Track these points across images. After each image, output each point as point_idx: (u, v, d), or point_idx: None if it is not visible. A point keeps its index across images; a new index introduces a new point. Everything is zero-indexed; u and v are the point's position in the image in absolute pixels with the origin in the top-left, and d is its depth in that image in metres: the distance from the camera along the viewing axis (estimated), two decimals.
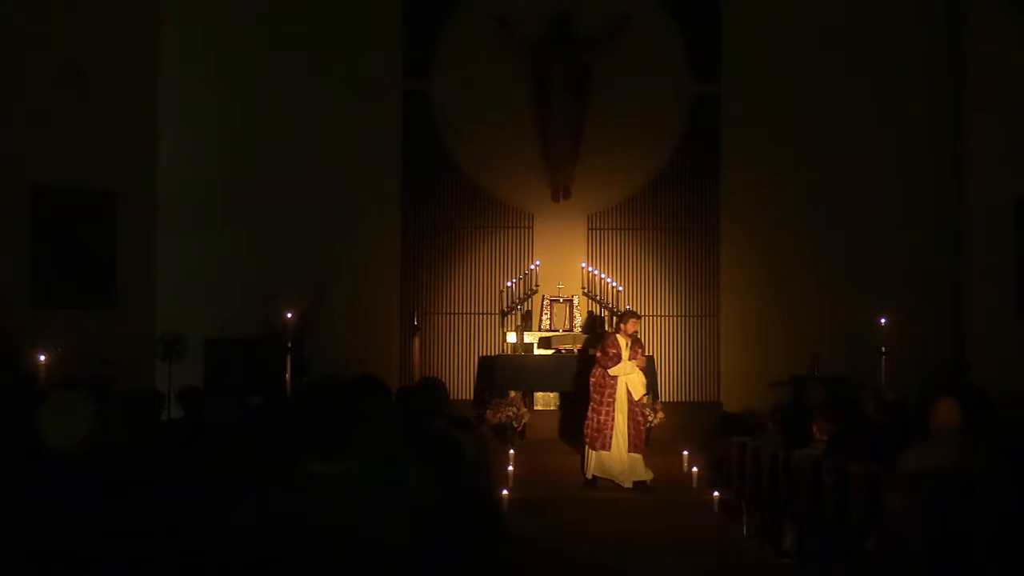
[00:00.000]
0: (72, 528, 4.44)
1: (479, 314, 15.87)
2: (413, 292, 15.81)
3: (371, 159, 15.87)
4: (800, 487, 8.48)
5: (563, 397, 14.64)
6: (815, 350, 14.70)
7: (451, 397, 9.65)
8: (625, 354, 12.40)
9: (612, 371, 12.37)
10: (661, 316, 15.91)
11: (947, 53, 15.50)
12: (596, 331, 14.89)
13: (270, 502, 4.14)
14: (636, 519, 11.20)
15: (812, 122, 15.78)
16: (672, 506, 11.69)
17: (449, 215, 15.90)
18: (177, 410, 8.77)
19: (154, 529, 4.49)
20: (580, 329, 15.19)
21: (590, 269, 15.45)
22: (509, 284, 15.30)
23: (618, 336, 12.57)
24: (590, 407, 12.50)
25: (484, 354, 15.44)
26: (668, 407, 14.10)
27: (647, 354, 13.46)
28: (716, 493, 11.46)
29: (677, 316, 15.94)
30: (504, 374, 14.42)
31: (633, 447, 12.32)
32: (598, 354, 12.67)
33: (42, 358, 12.12)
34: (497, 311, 15.42)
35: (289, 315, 13.69)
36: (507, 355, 14.85)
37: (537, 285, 15.30)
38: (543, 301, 15.32)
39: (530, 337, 15.01)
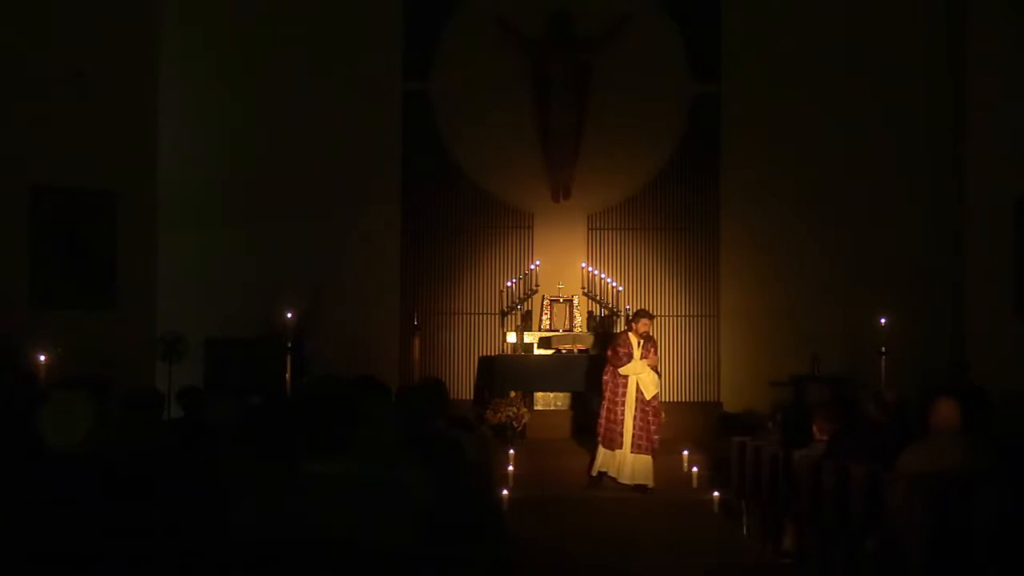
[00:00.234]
0: (72, 528, 4.44)
1: (479, 314, 15.87)
2: (413, 292, 15.81)
3: (371, 159, 15.87)
4: (800, 487, 8.48)
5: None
6: (815, 350, 14.71)
7: (451, 397, 9.68)
8: (637, 353, 12.38)
9: (622, 370, 12.35)
10: (661, 316, 15.89)
11: (947, 53, 15.50)
12: (604, 330, 14.90)
13: (270, 502, 4.14)
14: (636, 519, 11.19)
15: (812, 122, 15.78)
16: (672, 506, 11.68)
17: (449, 215, 15.90)
18: (177, 410, 8.77)
19: (154, 529, 4.49)
20: (582, 329, 15.18)
21: (590, 269, 15.46)
22: (509, 284, 15.31)
23: (630, 335, 12.55)
24: (603, 406, 12.49)
25: (484, 354, 15.44)
26: (668, 407, 14.06)
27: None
28: (716, 493, 11.45)
29: (677, 316, 15.94)
30: (504, 374, 14.43)
31: (637, 448, 12.25)
32: (609, 353, 12.67)
33: (42, 358, 12.11)
34: (497, 311, 15.43)
35: (289, 315, 13.69)
36: (507, 355, 14.86)
37: (537, 285, 15.31)
38: (543, 301, 15.33)
39: (530, 337, 15.02)
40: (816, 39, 15.83)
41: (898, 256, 15.60)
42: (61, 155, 14.00)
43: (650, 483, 12.28)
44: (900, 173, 15.72)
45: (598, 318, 15.36)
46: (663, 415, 13.46)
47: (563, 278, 15.41)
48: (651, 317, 12.67)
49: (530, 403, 14.53)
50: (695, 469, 12.63)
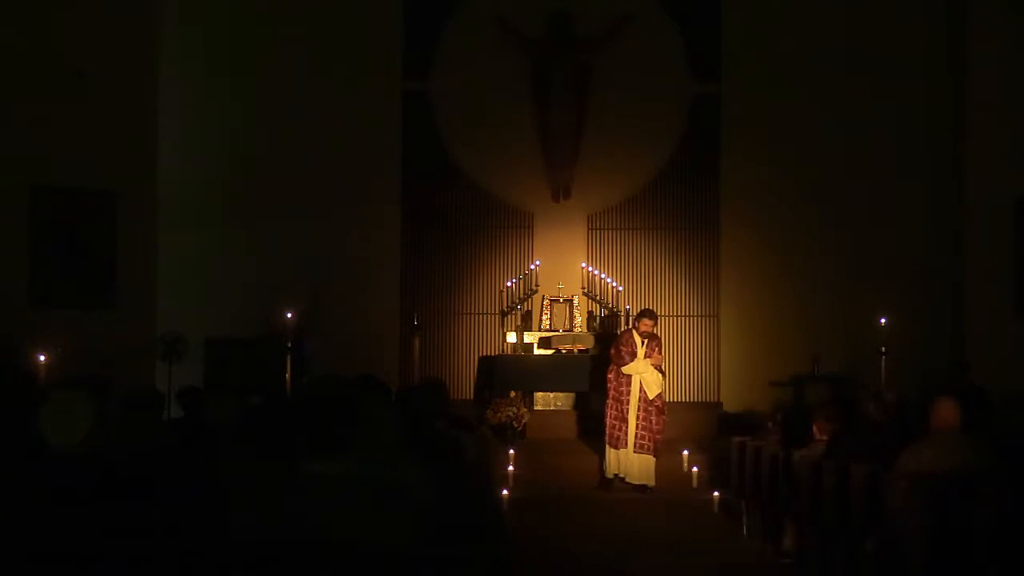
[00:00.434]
0: (72, 528, 4.44)
1: (479, 314, 15.87)
2: (413, 292, 15.81)
3: (371, 159, 15.86)
4: (800, 487, 8.48)
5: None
6: (815, 350, 14.70)
7: (451, 397, 9.69)
8: (640, 352, 12.38)
9: (625, 369, 12.35)
10: (662, 316, 15.83)
11: (947, 53, 15.49)
12: (604, 331, 14.90)
13: (270, 502, 4.14)
14: (636, 519, 11.19)
15: (812, 122, 15.78)
16: (672, 506, 11.68)
17: (449, 215, 15.90)
18: (177, 410, 8.77)
19: (154, 529, 4.49)
20: (582, 329, 15.17)
21: (590, 269, 15.45)
22: (509, 284, 15.31)
23: (634, 334, 12.55)
24: (607, 404, 12.49)
25: (484, 354, 15.44)
26: (668, 407, 14.06)
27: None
28: (716, 493, 11.45)
29: (677, 316, 15.94)
30: (504, 374, 14.42)
31: (640, 447, 12.25)
32: (612, 351, 12.67)
33: (42, 358, 12.11)
34: (497, 311, 15.42)
35: (289, 315, 13.69)
36: (507, 355, 14.85)
37: (537, 285, 15.31)
38: (543, 301, 15.32)
39: (530, 337, 15.01)
40: (816, 39, 15.83)
41: (898, 256, 15.60)
42: (61, 155, 13.99)
43: (651, 483, 12.29)
44: (900, 173, 15.72)
45: (598, 318, 15.35)
46: (666, 414, 13.47)
47: (563, 278, 15.40)
48: (654, 317, 12.65)
49: (530, 403, 14.52)
50: (695, 469, 12.63)
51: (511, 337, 15.00)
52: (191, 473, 5.28)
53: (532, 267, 15.40)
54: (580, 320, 15.32)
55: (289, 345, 13.64)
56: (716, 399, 15.64)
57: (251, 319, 14.62)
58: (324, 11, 15.80)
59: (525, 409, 14.07)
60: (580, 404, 14.69)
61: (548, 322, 15.25)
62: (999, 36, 14.77)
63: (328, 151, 15.72)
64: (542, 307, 15.31)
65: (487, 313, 15.77)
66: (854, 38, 15.78)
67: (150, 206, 14.89)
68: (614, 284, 15.22)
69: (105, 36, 14.31)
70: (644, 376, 12.32)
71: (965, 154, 15.11)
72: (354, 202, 15.69)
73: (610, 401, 12.43)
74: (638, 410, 12.28)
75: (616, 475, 12.34)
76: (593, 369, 14.17)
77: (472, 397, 14.85)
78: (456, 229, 15.93)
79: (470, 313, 15.91)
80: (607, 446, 12.39)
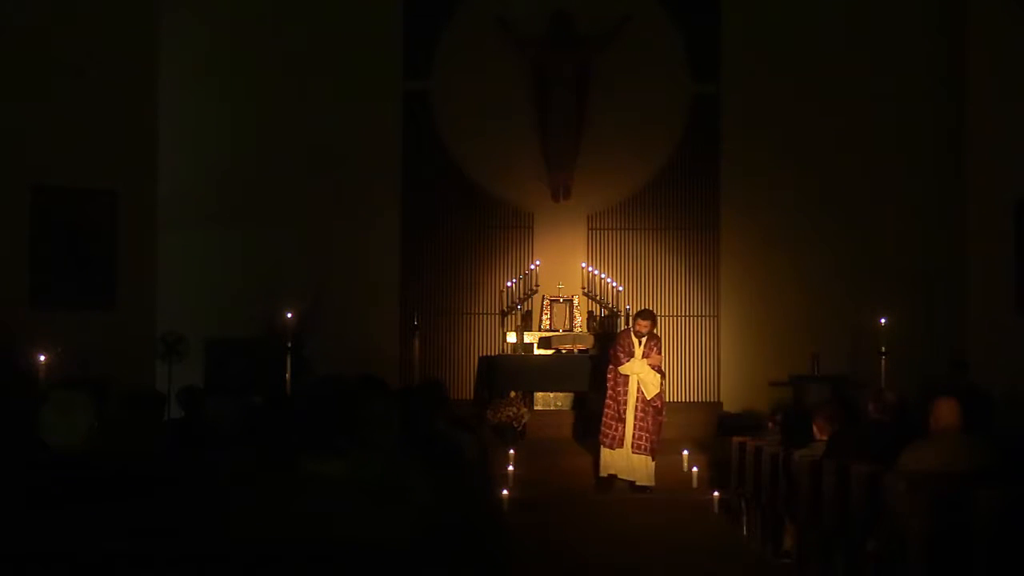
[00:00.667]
0: (72, 528, 4.44)
1: (479, 314, 15.87)
2: (413, 292, 15.81)
3: (371, 159, 15.86)
4: (800, 487, 8.48)
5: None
6: (815, 350, 14.70)
7: (451, 397, 9.69)
8: (638, 352, 12.37)
9: (622, 369, 12.35)
10: (662, 316, 15.87)
11: (947, 53, 15.49)
12: (604, 331, 14.90)
13: (270, 502, 4.14)
14: (636, 519, 11.19)
15: (812, 122, 15.78)
16: (672, 506, 11.68)
17: (449, 215, 15.90)
18: (177, 410, 8.77)
19: (154, 529, 4.49)
20: (582, 329, 15.17)
21: (590, 269, 15.46)
22: (509, 284, 15.31)
23: (631, 334, 12.54)
24: (605, 404, 12.48)
25: (484, 354, 15.43)
26: (668, 407, 14.07)
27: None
28: (716, 493, 11.46)
29: (677, 316, 15.94)
30: (504, 374, 14.42)
31: (637, 448, 12.24)
32: (610, 351, 12.68)
33: (42, 358, 12.11)
34: (497, 311, 15.43)
35: (289, 315, 13.69)
36: (507, 355, 14.85)
37: (537, 285, 15.31)
38: (543, 301, 15.32)
39: (530, 337, 15.01)
40: (816, 39, 15.83)
41: (898, 256, 15.60)
42: (61, 154, 13.99)
43: (651, 483, 12.28)
44: (900, 173, 15.72)
45: (598, 318, 15.35)
46: (664, 415, 13.46)
47: (563, 278, 15.41)
48: (651, 318, 12.62)
49: (530, 403, 14.52)
50: (695, 469, 12.63)
51: (511, 337, 15.00)
52: (191, 473, 5.28)
53: (532, 267, 15.41)
54: (580, 320, 15.33)
55: (289, 345, 13.64)
56: (716, 399, 15.64)
57: (251, 319, 14.63)
58: (324, 11, 15.81)
59: (525, 409, 14.07)
60: (578, 404, 14.68)
61: (548, 322, 15.25)
62: (999, 36, 14.76)
63: (328, 151, 15.72)
64: (542, 307, 15.32)
65: (487, 313, 15.77)
66: (854, 38, 15.79)
67: (150, 206, 14.87)
68: (614, 284, 15.22)
69: (105, 36, 14.30)
70: (641, 376, 12.31)
71: (965, 154, 15.10)
72: (354, 202, 15.70)
73: (608, 401, 12.42)
74: (636, 410, 12.27)
75: (610, 475, 12.31)
76: (593, 369, 14.17)
77: (472, 397, 14.84)
78: (456, 229, 15.93)
79: (470, 313, 15.91)
80: (601, 446, 12.38)
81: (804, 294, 15.66)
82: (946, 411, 6.92)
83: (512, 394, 14.21)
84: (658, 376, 12.40)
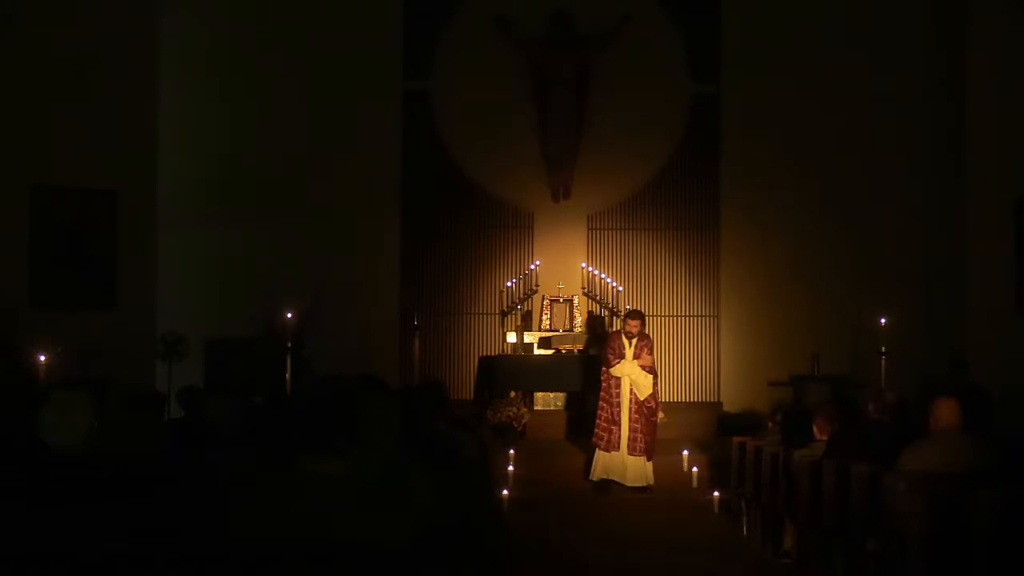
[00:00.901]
0: (72, 528, 4.44)
1: (479, 314, 15.87)
2: (413, 292, 15.81)
3: (371, 159, 15.87)
4: (800, 487, 8.48)
5: (569, 397, 14.64)
6: (815, 350, 14.70)
7: (451, 397, 9.70)
8: (629, 354, 12.33)
9: (613, 371, 12.31)
10: (661, 316, 15.91)
11: (947, 53, 15.49)
12: (596, 331, 14.90)
13: (270, 502, 4.14)
14: (636, 519, 11.18)
15: (812, 122, 15.79)
16: (672, 506, 11.68)
17: (449, 215, 15.90)
18: (177, 410, 8.77)
19: (154, 529, 4.49)
20: (582, 329, 15.18)
21: (590, 269, 15.46)
22: (509, 284, 15.31)
23: (622, 335, 12.51)
24: (599, 407, 12.45)
25: (484, 354, 15.43)
26: (668, 407, 14.09)
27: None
28: (716, 493, 11.46)
29: (677, 316, 15.95)
30: (504, 374, 14.41)
31: (632, 449, 12.20)
32: (602, 354, 12.65)
33: (42, 358, 12.11)
34: (497, 311, 15.43)
35: (289, 315, 13.68)
36: (507, 355, 14.85)
37: (537, 285, 15.31)
38: (543, 301, 15.33)
39: (530, 337, 15.01)
40: (816, 39, 15.84)
41: (898, 256, 15.61)
42: (61, 154, 13.99)
43: (650, 482, 12.26)
44: (900, 173, 15.72)
45: (591, 318, 15.31)
46: (662, 415, 13.43)
47: (563, 278, 15.41)
48: (641, 317, 12.58)
49: (530, 403, 14.52)
50: (695, 469, 12.62)
51: (511, 337, 14.99)
52: (191, 473, 5.28)
53: (532, 267, 15.41)
54: (580, 320, 15.33)
55: (289, 345, 13.64)
56: (716, 399, 15.65)
57: (251, 319, 14.63)
58: (324, 11, 15.81)
59: (525, 409, 14.06)
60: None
61: (548, 322, 15.25)
62: (999, 36, 14.76)
63: (328, 151, 15.73)
64: (542, 307, 15.32)
65: (487, 313, 15.78)
66: (854, 38, 15.80)
67: (150, 206, 14.87)
68: (614, 284, 15.22)
69: (105, 36, 14.30)
70: (633, 378, 12.25)
71: (965, 154, 15.10)
72: (354, 202, 15.70)
73: (601, 403, 12.37)
74: (630, 412, 12.23)
75: (603, 479, 12.26)
76: (590, 369, 14.14)
77: (472, 397, 14.84)
78: (456, 229, 15.93)
79: (470, 313, 15.92)
80: (597, 449, 12.33)
81: (804, 294, 15.66)
82: (946, 411, 6.92)
83: (512, 394, 14.21)
84: (650, 377, 12.33)
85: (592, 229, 16.04)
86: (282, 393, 13.02)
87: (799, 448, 8.79)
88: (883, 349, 13.87)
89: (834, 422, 8.53)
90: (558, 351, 14.80)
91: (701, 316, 15.96)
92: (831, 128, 15.76)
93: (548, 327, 15.20)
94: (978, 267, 14.88)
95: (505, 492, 11.13)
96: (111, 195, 14.40)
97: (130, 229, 14.58)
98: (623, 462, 12.23)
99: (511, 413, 13.83)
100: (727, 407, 15.36)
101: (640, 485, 12.22)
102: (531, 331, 15.11)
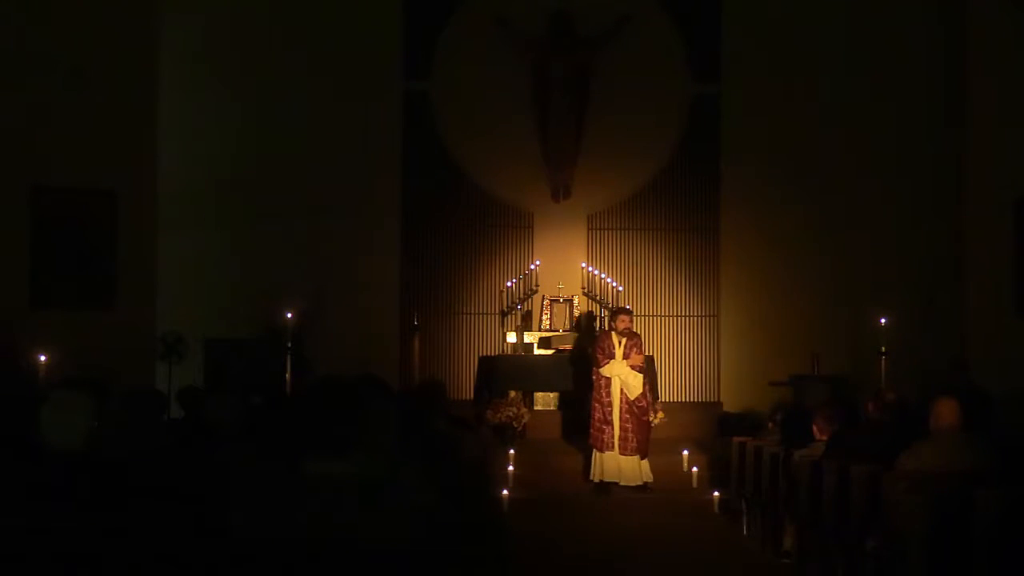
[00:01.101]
0: (72, 528, 4.44)
1: (479, 314, 15.87)
2: (413, 292, 15.81)
3: (371, 159, 15.86)
4: (800, 487, 8.48)
5: (562, 398, 14.62)
6: (815, 350, 14.68)
7: (451, 397, 9.70)
8: (619, 353, 12.30)
9: (603, 371, 12.29)
10: (661, 316, 15.91)
11: (947, 53, 15.49)
12: (584, 329, 14.88)
13: (270, 502, 4.14)
14: (636, 519, 11.19)
15: (812, 122, 15.79)
16: (672, 506, 11.68)
17: (449, 215, 15.90)
18: (177, 410, 8.77)
19: (155, 529, 4.49)
20: (571, 328, 15.15)
21: (590, 269, 15.45)
22: (509, 284, 15.30)
23: (612, 335, 12.47)
24: (592, 407, 12.43)
25: (484, 354, 15.42)
26: (668, 407, 14.09)
27: (647, 353, 13.39)
28: (716, 493, 11.46)
29: (677, 316, 15.94)
30: (504, 374, 14.41)
31: (624, 449, 12.16)
32: (591, 354, 12.63)
33: (42, 358, 12.11)
34: (497, 311, 15.42)
35: (289, 315, 13.68)
36: (507, 355, 14.84)
37: (537, 285, 15.30)
38: (543, 301, 15.32)
39: (530, 337, 15.00)
40: (816, 39, 15.84)
41: (898, 256, 15.61)
42: (61, 155, 13.98)
43: (649, 479, 12.24)
44: (900, 173, 15.73)
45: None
46: (662, 415, 13.43)
47: (563, 278, 15.40)
48: (629, 313, 12.57)
49: (530, 403, 14.51)
50: (695, 469, 12.63)
51: (511, 337, 14.99)
52: (191, 473, 5.28)
53: (532, 267, 15.40)
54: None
55: (289, 345, 13.63)
56: (716, 399, 15.65)
57: (251, 319, 14.62)
58: (324, 11, 15.80)
59: (525, 409, 14.06)
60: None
61: (548, 322, 15.24)
62: (999, 36, 14.75)
63: (328, 151, 15.72)
64: (542, 307, 15.31)
65: (487, 313, 15.77)
66: (854, 38, 15.80)
67: (150, 206, 14.86)
68: (614, 284, 15.21)
69: (105, 36, 14.29)
70: (623, 378, 12.23)
71: (965, 154, 15.10)
72: (354, 202, 15.69)
73: (594, 404, 12.35)
74: (621, 411, 12.19)
75: (602, 480, 12.23)
76: (585, 370, 14.06)
77: (472, 397, 14.83)
78: (456, 229, 15.93)
79: (470, 313, 15.91)
80: (595, 450, 12.32)
81: (804, 294, 15.66)
82: (946, 411, 6.92)
83: (512, 394, 14.20)
84: (640, 376, 12.30)
85: (592, 229, 16.03)
86: (282, 393, 13.02)
87: (799, 448, 8.80)
88: (883, 349, 13.86)
89: (834, 422, 8.53)
90: (558, 351, 14.79)
91: (701, 316, 15.96)
92: (831, 128, 15.76)
93: (548, 327, 15.19)
94: (978, 267, 14.88)
95: (505, 492, 11.13)
96: (111, 195, 14.39)
97: (130, 229, 14.56)
98: (618, 462, 12.21)
99: (511, 413, 13.83)
100: (727, 407, 15.36)
101: (638, 484, 12.20)
102: (531, 331, 15.10)
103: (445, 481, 4.83)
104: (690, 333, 15.94)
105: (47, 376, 11.77)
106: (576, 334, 14.84)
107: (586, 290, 15.35)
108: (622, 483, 12.23)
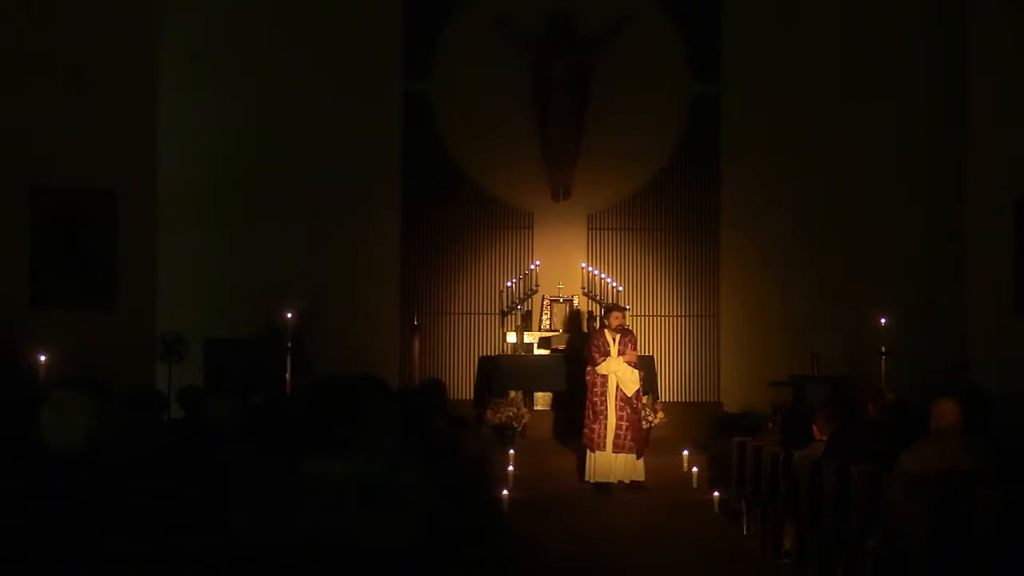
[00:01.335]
0: (72, 528, 4.44)
1: (479, 314, 15.87)
2: (413, 292, 15.81)
3: (371, 159, 15.86)
4: (800, 487, 8.48)
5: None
6: (815, 350, 14.68)
7: (451, 397, 9.69)
8: (614, 350, 12.29)
9: (599, 369, 12.26)
10: (661, 316, 15.91)
11: (947, 53, 15.48)
12: (573, 328, 14.87)
13: (270, 502, 4.14)
14: (636, 519, 11.19)
15: (812, 122, 15.79)
16: (672, 506, 11.68)
17: (449, 215, 15.89)
18: (177, 410, 8.77)
19: (154, 529, 4.49)
20: (565, 328, 15.15)
21: (590, 269, 15.45)
22: (509, 284, 15.30)
23: (605, 332, 12.45)
24: (585, 407, 12.39)
25: (484, 354, 15.43)
26: (668, 407, 14.09)
27: (646, 353, 13.41)
28: (716, 493, 11.46)
29: (677, 316, 15.94)
30: (504, 374, 14.41)
31: (618, 447, 12.13)
32: (585, 352, 12.62)
33: (42, 358, 12.11)
34: (497, 311, 15.42)
35: (289, 315, 13.68)
36: (507, 355, 14.84)
37: (537, 285, 15.30)
38: (543, 301, 15.31)
39: (530, 337, 15.00)
40: (816, 39, 15.84)
41: (898, 256, 15.61)
42: (61, 155, 13.98)
43: (641, 478, 12.20)
44: (900, 173, 15.73)
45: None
46: (661, 415, 13.44)
47: (563, 278, 15.40)
48: (623, 310, 12.56)
49: (530, 403, 14.51)
50: (695, 469, 12.63)
51: (511, 337, 14.99)
52: (191, 473, 5.28)
53: (532, 267, 15.40)
54: (580, 320, 15.31)
55: (289, 345, 13.64)
56: (716, 399, 15.64)
57: (251, 319, 14.63)
58: (324, 11, 15.80)
59: (525, 409, 14.06)
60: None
61: (548, 322, 15.24)
62: (999, 36, 14.75)
63: (328, 151, 15.72)
64: (542, 307, 15.31)
65: (487, 313, 15.77)
66: (854, 38, 15.79)
67: (150, 206, 14.86)
68: (614, 284, 15.21)
69: (105, 36, 14.29)
70: (619, 375, 12.21)
71: (965, 154, 15.10)
72: (354, 202, 15.69)
73: (588, 403, 12.31)
74: (616, 409, 12.17)
75: (597, 480, 12.21)
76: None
77: (472, 397, 14.84)
78: (456, 229, 15.92)
79: (470, 313, 15.91)
80: (586, 450, 12.29)
81: (804, 294, 15.66)
82: (946, 411, 6.92)
83: (512, 394, 14.20)
84: (636, 373, 12.29)
85: (592, 229, 16.03)
86: (282, 393, 13.03)
87: (799, 448, 8.80)
88: (883, 349, 13.85)
89: (834, 422, 8.53)
90: (558, 351, 14.79)
91: (701, 316, 15.95)
92: (831, 127, 15.76)
93: (548, 327, 15.19)
94: (978, 268, 14.88)
95: (505, 492, 11.13)
96: (111, 195, 14.39)
97: (130, 229, 14.56)
98: (610, 461, 12.17)
99: (511, 413, 13.83)
100: (727, 407, 15.36)
101: (632, 480, 12.11)
102: (531, 331, 15.10)
103: (445, 481, 4.83)
104: (690, 333, 15.93)
105: (47, 376, 11.77)
106: (568, 334, 14.82)
107: (586, 290, 15.35)
108: (614, 480, 12.17)
